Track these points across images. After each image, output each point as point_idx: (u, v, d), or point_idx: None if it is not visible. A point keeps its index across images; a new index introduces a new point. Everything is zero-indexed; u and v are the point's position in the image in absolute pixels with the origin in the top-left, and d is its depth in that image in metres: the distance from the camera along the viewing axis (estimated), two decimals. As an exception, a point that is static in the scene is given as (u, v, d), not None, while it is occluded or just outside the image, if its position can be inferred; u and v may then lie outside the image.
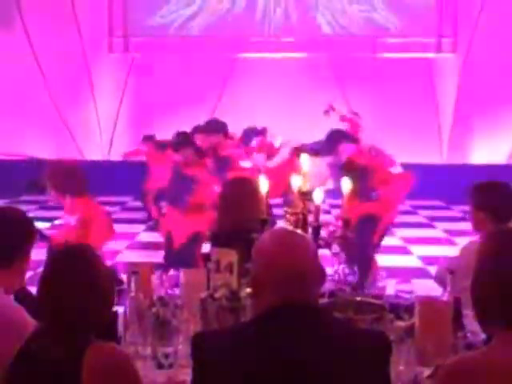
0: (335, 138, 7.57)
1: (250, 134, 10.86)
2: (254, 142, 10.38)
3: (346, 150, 7.41)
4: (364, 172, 7.23)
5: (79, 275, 2.63)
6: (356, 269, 4.04)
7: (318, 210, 3.94)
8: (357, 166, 7.22)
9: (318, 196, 3.96)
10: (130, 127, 14.41)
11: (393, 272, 7.11)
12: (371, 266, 6.86)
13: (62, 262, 2.69)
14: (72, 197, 5.54)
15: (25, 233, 3.29)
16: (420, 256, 10.01)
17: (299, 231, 3.72)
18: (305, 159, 4.44)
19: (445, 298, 3.65)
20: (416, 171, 13.07)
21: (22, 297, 3.36)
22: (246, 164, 7.86)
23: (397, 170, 7.47)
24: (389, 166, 7.40)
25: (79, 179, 5.68)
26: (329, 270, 3.88)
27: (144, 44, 15.22)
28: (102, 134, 15.32)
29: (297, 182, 4.17)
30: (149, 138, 11.96)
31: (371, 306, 3.51)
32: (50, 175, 5.62)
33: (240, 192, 4.92)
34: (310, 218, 3.99)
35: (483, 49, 14.32)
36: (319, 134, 13.58)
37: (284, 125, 12.27)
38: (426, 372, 3.23)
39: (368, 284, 4.39)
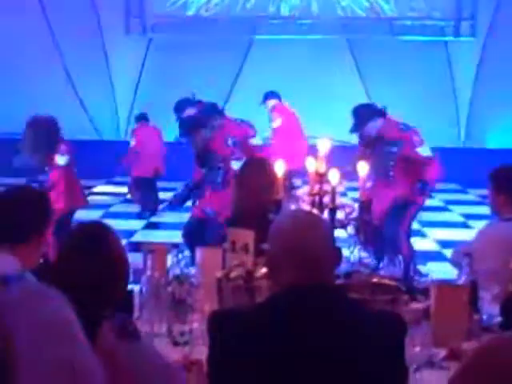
0: (363, 113, 7.37)
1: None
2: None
3: (375, 125, 7.23)
4: (392, 146, 7.13)
5: (92, 251, 2.64)
6: (371, 250, 4.03)
7: (334, 192, 3.92)
8: (386, 140, 7.11)
9: (334, 177, 3.95)
10: (147, 108, 14.38)
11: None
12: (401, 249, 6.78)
13: (75, 237, 2.70)
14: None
15: (41, 210, 3.32)
16: (436, 239, 9.99)
17: (315, 212, 3.72)
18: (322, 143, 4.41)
19: (461, 281, 3.64)
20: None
21: (44, 271, 3.36)
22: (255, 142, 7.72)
23: (425, 150, 7.30)
24: (417, 144, 7.22)
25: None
26: (345, 252, 3.87)
27: (161, 25, 15.19)
28: (119, 115, 15.34)
29: (313, 163, 4.15)
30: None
31: (387, 287, 3.50)
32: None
33: (256, 172, 4.95)
34: (327, 199, 3.97)
35: (503, 33, 14.20)
36: (336, 117, 13.63)
37: (300, 108, 12.22)
38: (442, 353, 3.23)
39: (384, 266, 4.39)
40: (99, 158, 13.11)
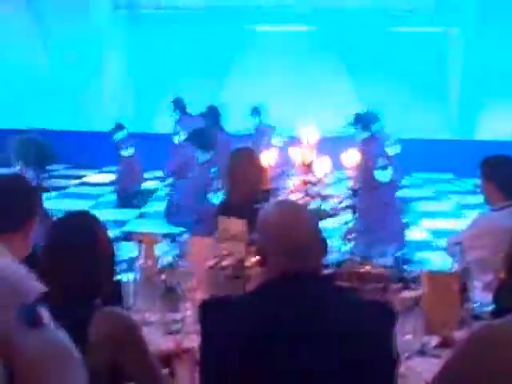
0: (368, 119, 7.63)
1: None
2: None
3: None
4: None
5: (79, 240, 2.64)
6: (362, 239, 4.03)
7: (319, 182, 3.94)
8: None
9: (321, 167, 3.96)
10: (137, 99, 14.38)
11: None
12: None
13: (62, 227, 2.70)
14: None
15: (34, 200, 3.31)
16: (429, 229, 10.00)
17: (301, 203, 3.74)
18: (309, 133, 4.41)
19: (453, 270, 3.65)
20: (426, 145, 13.13)
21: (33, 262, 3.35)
22: None
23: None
24: None
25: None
26: (333, 242, 3.89)
27: (152, 16, 15.13)
28: (110, 105, 15.28)
29: (298, 154, 4.16)
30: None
31: (378, 276, 3.50)
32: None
33: (244, 163, 4.97)
34: (312, 189, 3.98)
35: (492, 23, 14.18)
36: (327, 108, 13.62)
37: (292, 99, 12.23)
38: (433, 341, 3.23)
39: (376, 255, 4.40)
40: (90, 147, 13.06)
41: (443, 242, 5.30)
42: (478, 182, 4.66)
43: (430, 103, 14.52)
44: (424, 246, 8.78)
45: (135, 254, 3.78)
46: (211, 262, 3.67)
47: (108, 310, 2.59)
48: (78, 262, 2.62)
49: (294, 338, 2.29)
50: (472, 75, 14.47)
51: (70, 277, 2.61)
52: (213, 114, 9.72)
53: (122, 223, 10.10)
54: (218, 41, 14.61)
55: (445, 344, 3.20)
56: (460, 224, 6.94)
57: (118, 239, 7.94)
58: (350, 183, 4.30)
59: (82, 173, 13.91)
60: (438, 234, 9.26)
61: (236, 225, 3.90)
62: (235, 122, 10.61)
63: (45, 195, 5.11)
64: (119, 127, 11.19)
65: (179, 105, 10.69)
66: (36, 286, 2.92)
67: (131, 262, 3.82)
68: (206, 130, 8.59)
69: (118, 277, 3.58)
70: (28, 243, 3.27)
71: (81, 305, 2.59)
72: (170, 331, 3.32)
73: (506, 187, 4.45)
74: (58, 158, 6.06)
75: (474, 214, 4.95)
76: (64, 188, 12.61)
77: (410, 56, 14.47)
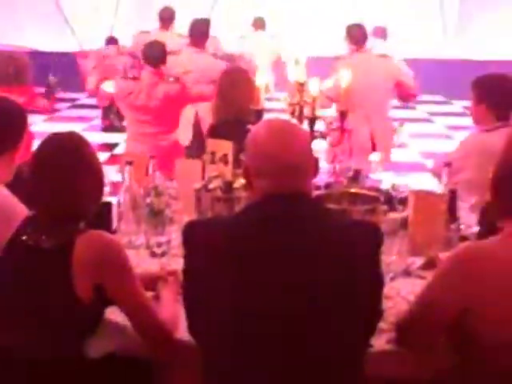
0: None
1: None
2: None
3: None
4: None
5: (64, 159, 2.61)
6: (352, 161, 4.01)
7: (314, 102, 3.87)
8: None
9: (314, 87, 3.89)
10: (130, 17, 14.13)
11: (391, 166, 7.14)
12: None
13: (47, 147, 2.66)
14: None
15: (19, 123, 3.28)
16: (419, 151, 9.99)
17: (294, 121, 3.69)
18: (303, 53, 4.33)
19: (439, 190, 3.64)
20: (418, 66, 13.00)
21: (17, 185, 3.34)
22: None
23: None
24: None
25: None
26: (324, 163, 3.87)
27: None
28: (102, 24, 15.06)
29: (294, 73, 4.08)
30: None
31: (366, 197, 3.49)
32: None
33: (234, 80, 4.94)
34: (307, 109, 3.92)
35: None
36: (319, 27, 13.43)
37: (284, 18, 12.05)
38: (418, 262, 3.25)
39: (364, 176, 4.39)
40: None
41: (430, 164, 5.31)
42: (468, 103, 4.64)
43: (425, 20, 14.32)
44: (414, 167, 8.79)
45: (120, 176, 3.75)
46: (198, 185, 3.65)
47: (92, 233, 2.58)
48: (62, 182, 2.59)
49: (279, 257, 2.27)
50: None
51: (54, 198, 2.59)
52: None
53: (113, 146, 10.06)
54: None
55: (430, 265, 3.21)
56: (450, 146, 6.91)
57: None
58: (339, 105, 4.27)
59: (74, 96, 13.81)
60: (428, 155, 9.27)
61: (224, 146, 3.88)
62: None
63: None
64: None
65: None
66: (21, 208, 2.93)
67: (116, 184, 3.79)
68: None
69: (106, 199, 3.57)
70: (13, 166, 3.25)
71: (65, 227, 2.58)
72: (156, 254, 3.33)
73: (497, 108, 4.41)
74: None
75: (463, 136, 4.92)
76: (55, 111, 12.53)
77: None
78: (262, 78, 4.10)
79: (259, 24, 11.12)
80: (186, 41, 7.70)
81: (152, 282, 2.94)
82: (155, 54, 6.15)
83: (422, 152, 9.92)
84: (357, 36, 6.86)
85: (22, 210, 2.91)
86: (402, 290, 3.01)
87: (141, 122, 6.17)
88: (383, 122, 6.85)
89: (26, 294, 2.56)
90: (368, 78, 6.41)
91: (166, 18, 9.41)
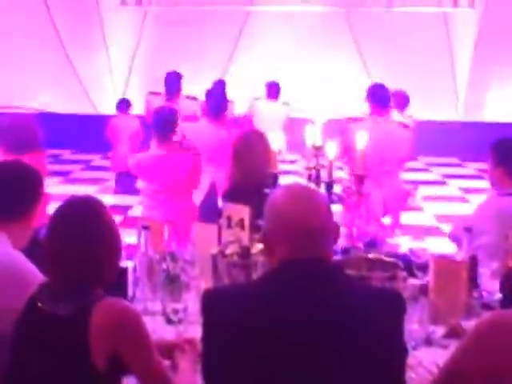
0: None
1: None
2: None
3: None
4: None
5: (81, 225, 2.57)
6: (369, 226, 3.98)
7: (331, 165, 3.86)
8: None
9: (331, 151, 3.88)
10: (142, 81, 14.28)
11: (407, 230, 7.10)
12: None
13: (63, 212, 2.63)
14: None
15: (37, 188, 3.27)
16: (434, 214, 9.95)
17: (312, 186, 3.66)
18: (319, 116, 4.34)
19: (460, 257, 3.58)
20: (431, 128, 13.07)
21: (33, 250, 3.31)
22: None
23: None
24: None
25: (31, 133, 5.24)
26: (342, 227, 3.82)
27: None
28: (116, 88, 15.23)
29: (311, 137, 4.08)
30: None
31: (384, 263, 3.44)
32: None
33: (251, 144, 4.91)
34: (323, 173, 3.91)
35: (501, 3, 14.03)
36: (333, 90, 13.55)
37: (298, 81, 12.14)
38: (440, 331, 3.18)
39: (382, 241, 4.35)
40: (97, 132, 12.98)
41: (447, 228, 5.26)
42: (486, 166, 4.60)
43: (437, 84, 14.40)
44: (430, 231, 8.73)
45: (136, 240, 3.71)
46: (215, 250, 3.61)
47: (109, 301, 2.53)
48: (80, 252, 2.55)
49: (301, 327, 2.22)
50: (481, 56, 14.34)
51: (71, 266, 2.55)
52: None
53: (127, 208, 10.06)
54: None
55: (452, 334, 3.14)
56: (465, 209, 6.87)
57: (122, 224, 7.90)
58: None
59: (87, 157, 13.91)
60: (443, 219, 9.22)
61: (240, 211, 3.85)
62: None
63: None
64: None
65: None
66: (36, 275, 2.89)
67: (132, 249, 3.75)
68: None
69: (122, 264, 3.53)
70: (29, 231, 3.23)
71: (82, 294, 2.54)
72: (172, 321, 3.27)
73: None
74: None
75: (479, 199, 4.89)
76: (69, 173, 12.61)
77: (417, 36, 14.33)
78: (277, 142, 4.10)
79: (273, 91, 11.14)
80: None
81: (168, 350, 2.88)
82: None
83: (436, 215, 9.86)
84: (379, 97, 6.73)
85: (38, 276, 2.88)
86: (423, 360, 2.94)
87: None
88: (395, 185, 6.80)
89: (40, 362, 2.51)
90: (384, 143, 6.34)
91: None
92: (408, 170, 9.50)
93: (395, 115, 8.18)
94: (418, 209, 9.48)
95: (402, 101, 9.29)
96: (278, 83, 11.16)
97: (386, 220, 6.76)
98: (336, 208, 4.17)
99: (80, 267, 2.55)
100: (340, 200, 3.96)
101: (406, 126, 6.97)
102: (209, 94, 7.89)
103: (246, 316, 2.27)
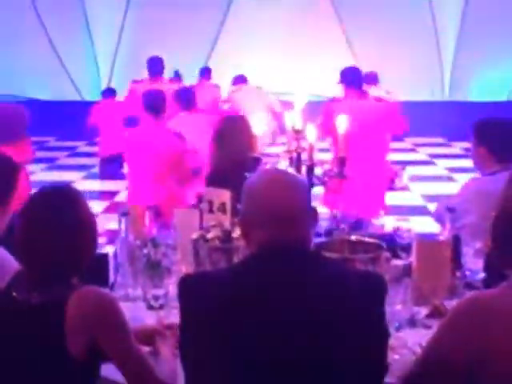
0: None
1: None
2: None
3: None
4: None
5: (56, 213, 2.53)
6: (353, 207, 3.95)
7: (311, 148, 3.82)
8: None
9: (311, 134, 3.84)
10: (128, 66, 14.20)
11: (393, 209, 7.08)
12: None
13: (36, 200, 2.59)
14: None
15: (16, 177, 3.24)
16: (421, 194, 9.95)
17: (292, 170, 3.63)
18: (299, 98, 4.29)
19: (443, 237, 3.56)
20: (418, 108, 13.06)
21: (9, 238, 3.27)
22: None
23: None
24: None
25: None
26: (324, 210, 3.80)
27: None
28: (100, 74, 15.15)
29: (291, 120, 4.04)
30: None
31: (367, 245, 3.41)
32: None
33: (233, 128, 4.88)
34: (304, 156, 3.87)
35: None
36: (318, 73, 13.50)
37: (283, 64, 12.09)
38: (423, 311, 3.16)
39: (367, 222, 4.32)
40: (82, 119, 12.92)
41: (433, 207, 5.25)
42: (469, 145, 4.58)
43: (422, 65, 14.38)
44: (416, 210, 8.74)
45: (116, 226, 3.67)
46: (196, 235, 3.58)
47: (85, 290, 2.49)
48: (56, 241, 2.51)
49: (280, 313, 2.20)
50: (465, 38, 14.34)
51: (46, 256, 2.51)
52: None
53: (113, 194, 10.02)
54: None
55: (436, 314, 3.12)
56: (452, 188, 6.86)
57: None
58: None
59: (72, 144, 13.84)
60: (430, 198, 9.22)
61: (221, 195, 3.82)
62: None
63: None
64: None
65: None
66: (12, 263, 2.85)
67: (114, 234, 3.71)
68: None
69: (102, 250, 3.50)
70: (5, 220, 3.19)
71: (56, 283, 2.50)
72: (153, 307, 3.24)
73: (498, 151, 4.36)
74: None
75: (465, 178, 4.87)
76: (54, 159, 12.55)
77: (402, 16, 14.29)
78: (260, 126, 4.07)
79: (240, 81, 11.03)
80: None
81: (149, 336, 2.85)
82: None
83: (423, 195, 9.86)
84: (352, 79, 6.79)
85: (13, 264, 2.83)
86: (408, 341, 2.92)
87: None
88: (380, 166, 6.79)
89: (15, 353, 2.48)
90: (364, 122, 6.34)
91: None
92: (395, 151, 9.51)
93: (373, 90, 8.30)
94: (405, 189, 9.46)
95: (373, 80, 9.64)
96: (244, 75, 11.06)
97: (371, 201, 6.74)
98: (318, 190, 4.12)
99: (54, 256, 2.51)
100: (321, 183, 3.91)
101: (379, 100, 7.03)
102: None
103: (223, 302, 2.25)
